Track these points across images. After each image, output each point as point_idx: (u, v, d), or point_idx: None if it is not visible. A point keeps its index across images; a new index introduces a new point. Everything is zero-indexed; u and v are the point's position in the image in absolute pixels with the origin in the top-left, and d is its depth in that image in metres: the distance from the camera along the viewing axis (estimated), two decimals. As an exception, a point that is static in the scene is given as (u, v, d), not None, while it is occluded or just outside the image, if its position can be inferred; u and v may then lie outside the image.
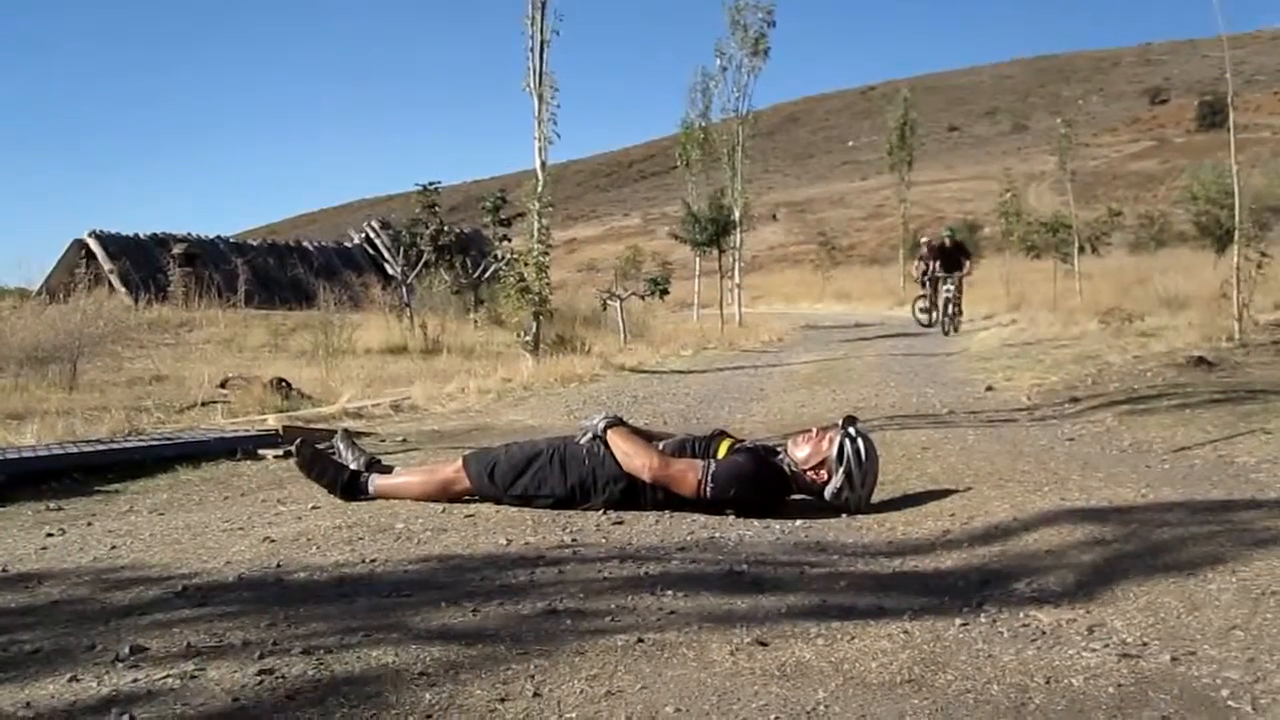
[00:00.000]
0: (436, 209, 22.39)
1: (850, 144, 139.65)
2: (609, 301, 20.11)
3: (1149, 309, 17.51)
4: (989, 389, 9.54)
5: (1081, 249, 27.28)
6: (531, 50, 13.37)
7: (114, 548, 4.09)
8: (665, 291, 21.36)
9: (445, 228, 22.38)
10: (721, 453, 4.48)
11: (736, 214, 26.28)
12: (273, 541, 4.00)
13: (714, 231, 25.78)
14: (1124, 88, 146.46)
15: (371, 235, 32.50)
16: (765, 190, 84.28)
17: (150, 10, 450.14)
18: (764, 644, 2.67)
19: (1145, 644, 2.61)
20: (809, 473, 4.42)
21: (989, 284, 33.31)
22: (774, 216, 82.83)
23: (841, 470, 4.35)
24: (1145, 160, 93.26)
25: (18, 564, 3.86)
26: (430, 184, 22.76)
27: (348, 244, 33.78)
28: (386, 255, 23.18)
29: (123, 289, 26.02)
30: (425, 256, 21.64)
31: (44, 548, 4.14)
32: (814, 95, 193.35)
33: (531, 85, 13.42)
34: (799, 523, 4.18)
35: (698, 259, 28.79)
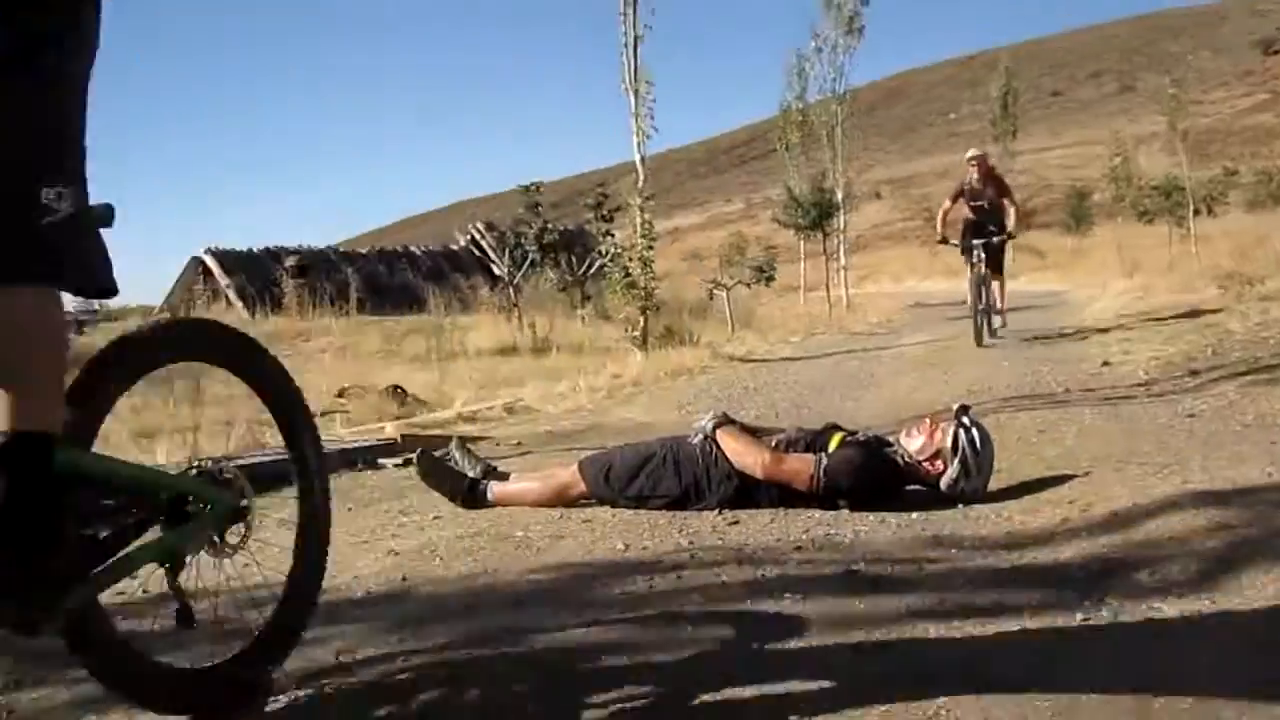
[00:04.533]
0: (539, 208, 22.58)
1: (952, 116, 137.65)
2: (715, 291, 20.11)
3: (1270, 271, 17.01)
4: (1105, 364, 9.34)
5: (1197, 211, 26.68)
6: (625, 47, 13.43)
7: (246, 565, 4.21)
8: (771, 279, 21.32)
9: (549, 226, 22.56)
10: (833, 446, 4.48)
11: (839, 195, 26.12)
12: (397, 554, 4.10)
13: (817, 215, 25.70)
14: (1233, 40, 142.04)
15: (477, 237, 32.88)
16: (867, 168, 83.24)
17: (250, 27, 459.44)
18: (884, 646, 2.68)
19: (1275, 639, 2.56)
20: (924, 464, 4.41)
21: (1102, 250, 32.67)
22: (877, 194, 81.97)
23: (956, 460, 4.34)
24: (1260, 114, 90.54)
25: (153, 582, 3.99)
26: (532, 184, 22.96)
27: (454, 246, 34.26)
28: (492, 256, 23.44)
29: (239, 303, 26.76)
30: (530, 255, 21.84)
31: (181, 566, 4.28)
32: (912, 69, 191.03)
33: (627, 82, 13.48)
34: (915, 516, 4.17)
35: (802, 242, 28.69)
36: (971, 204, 12.98)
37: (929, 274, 38.64)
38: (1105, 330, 12.79)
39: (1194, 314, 12.80)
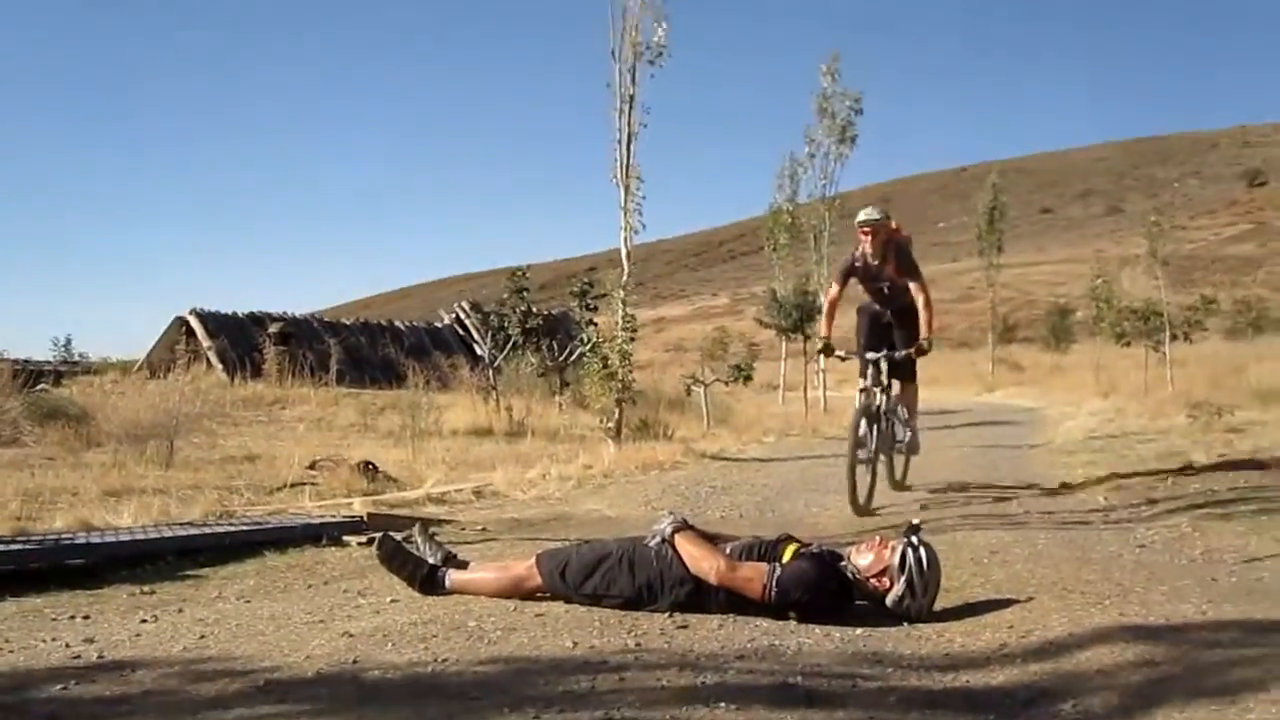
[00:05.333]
0: (525, 293, 22.77)
1: (941, 225, 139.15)
2: (693, 387, 20.26)
3: (1241, 401, 17.27)
4: (1065, 486, 9.50)
5: (1174, 336, 27.01)
6: (619, 142, 13.63)
7: (203, 637, 4.29)
8: (749, 378, 21.49)
9: (533, 310, 22.73)
10: (786, 557, 4.59)
11: (821, 299, 26.38)
12: (351, 636, 4.17)
13: (799, 317, 25.93)
14: (1221, 170, 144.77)
15: (461, 316, 33.07)
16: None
17: (245, 86, 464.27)
18: (809, 760, 2.78)
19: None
20: (871, 580, 4.52)
21: (1080, 369, 32.99)
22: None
23: (903, 578, 4.44)
24: (1243, 244, 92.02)
25: (114, 650, 4.07)
26: (520, 269, 23.21)
27: (438, 324, 34.44)
28: (475, 336, 23.60)
29: (220, 366, 26.78)
30: (513, 338, 21.97)
31: (138, 634, 4.35)
32: (905, 176, 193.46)
33: (618, 176, 13.67)
34: (859, 631, 4.26)
35: (783, 342, 28.93)
36: (868, 285, 9.30)
37: (908, 381, 38.83)
38: (1072, 451, 12.95)
39: (1161, 440, 13.00)
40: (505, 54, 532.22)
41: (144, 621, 4.63)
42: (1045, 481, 10.00)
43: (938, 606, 4.55)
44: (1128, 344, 29.18)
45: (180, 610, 4.92)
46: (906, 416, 9.07)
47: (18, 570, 5.68)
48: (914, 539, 4.52)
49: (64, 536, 6.57)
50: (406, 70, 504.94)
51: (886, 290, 9.08)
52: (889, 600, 4.48)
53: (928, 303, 8.88)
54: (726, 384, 21.32)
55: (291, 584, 5.71)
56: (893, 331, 9.08)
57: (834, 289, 9.31)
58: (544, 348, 22.08)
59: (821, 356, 11.10)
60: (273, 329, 28.35)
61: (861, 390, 8.84)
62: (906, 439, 9.10)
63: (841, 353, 9.28)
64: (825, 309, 9.52)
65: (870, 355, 8.84)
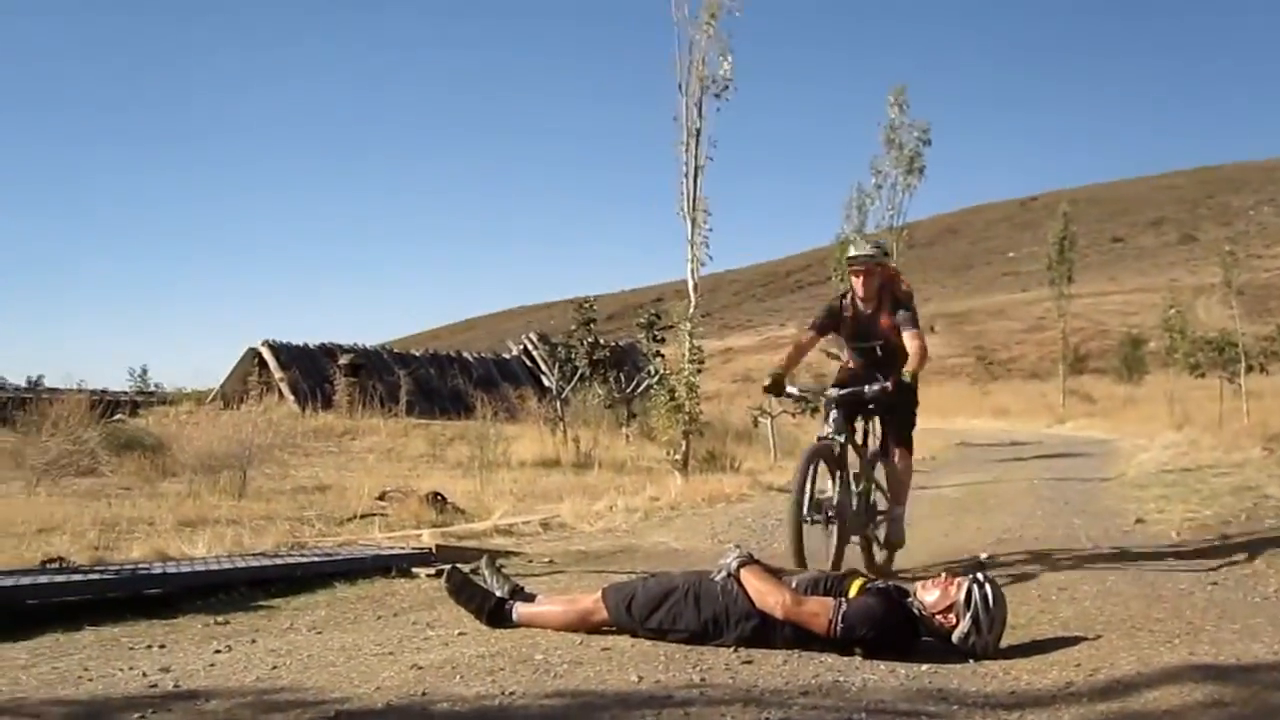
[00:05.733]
0: (592, 324, 22.91)
1: (1011, 255, 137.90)
2: (760, 418, 20.23)
3: (1319, 435, 16.95)
4: (1138, 521, 9.38)
5: (1250, 368, 26.57)
6: (685, 176, 13.70)
7: (275, 668, 4.36)
8: (816, 409, 21.43)
9: (600, 341, 22.86)
10: (853, 592, 4.59)
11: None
12: (420, 669, 4.22)
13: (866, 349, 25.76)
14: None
15: (529, 347, 33.30)
16: (923, 301, 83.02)
17: (317, 125, 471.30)
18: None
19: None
20: (937, 616, 4.51)
21: (1153, 400, 32.53)
22: (931, 328, 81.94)
23: (969, 615, 4.43)
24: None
25: (188, 679, 4.15)
26: (586, 300, 23.37)
27: (506, 355, 34.69)
28: (543, 367, 23.77)
29: (291, 397, 27.16)
30: (580, 370, 22.10)
31: (212, 664, 4.44)
32: (973, 206, 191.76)
33: (685, 210, 13.74)
34: (925, 667, 4.24)
35: (850, 373, 28.79)
36: (853, 344, 7.27)
37: (978, 413, 38.54)
38: (1145, 485, 12.76)
39: (1236, 474, 12.77)
40: (572, 85, 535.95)
41: (218, 651, 4.72)
42: (1118, 516, 9.86)
43: (1004, 643, 4.52)
44: (1202, 375, 28.72)
45: (253, 640, 5.01)
46: (889, 490, 7.01)
47: (96, 599, 5.81)
48: (980, 575, 4.51)
49: (140, 566, 6.71)
50: (472, 101, 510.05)
51: (880, 351, 7.06)
52: (955, 637, 4.46)
53: (923, 347, 6.87)
54: (794, 415, 21.26)
55: (361, 615, 5.79)
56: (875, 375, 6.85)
57: (808, 333, 7.41)
58: (611, 379, 22.19)
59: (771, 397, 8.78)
60: (343, 360, 28.74)
61: (819, 438, 6.70)
62: (892, 517, 6.94)
63: (795, 389, 7.18)
64: (791, 350, 7.46)
65: (832, 392, 6.80)
